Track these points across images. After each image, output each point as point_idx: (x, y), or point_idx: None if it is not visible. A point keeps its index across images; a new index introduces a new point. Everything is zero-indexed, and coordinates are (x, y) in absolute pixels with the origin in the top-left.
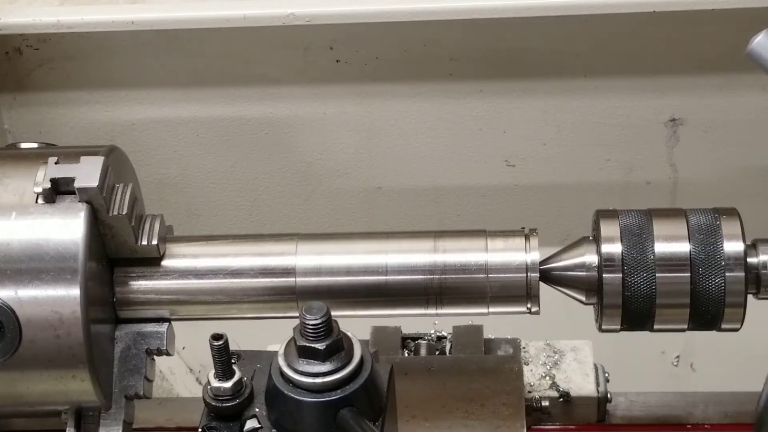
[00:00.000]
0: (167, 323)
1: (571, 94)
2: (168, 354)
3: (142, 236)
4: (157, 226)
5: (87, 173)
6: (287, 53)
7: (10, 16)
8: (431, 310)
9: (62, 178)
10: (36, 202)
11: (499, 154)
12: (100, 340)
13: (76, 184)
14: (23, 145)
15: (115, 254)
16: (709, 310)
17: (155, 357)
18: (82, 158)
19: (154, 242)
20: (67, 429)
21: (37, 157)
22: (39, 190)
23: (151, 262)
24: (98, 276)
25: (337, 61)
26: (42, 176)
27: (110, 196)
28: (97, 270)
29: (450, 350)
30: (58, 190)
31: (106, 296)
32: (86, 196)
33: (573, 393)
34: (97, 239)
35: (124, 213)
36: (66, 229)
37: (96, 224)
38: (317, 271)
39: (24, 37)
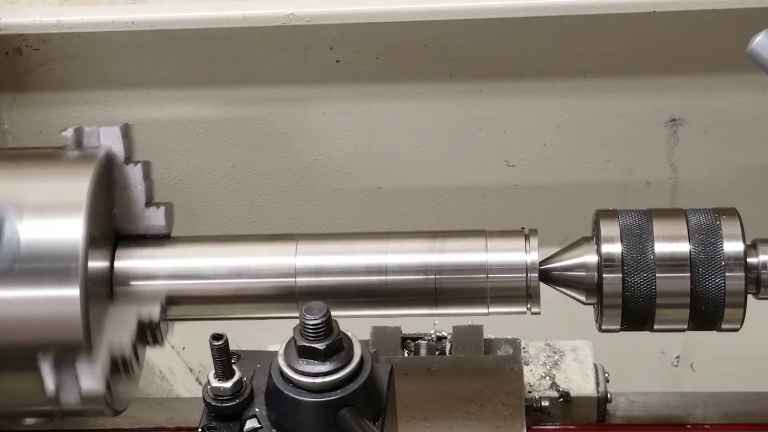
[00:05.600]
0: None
1: (571, 94)
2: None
3: None
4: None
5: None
6: (287, 53)
7: (10, 16)
8: (431, 310)
9: None
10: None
11: (499, 154)
12: None
13: None
14: None
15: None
16: (709, 310)
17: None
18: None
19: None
20: None
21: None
22: None
23: (150, 262)
24: (98, 276)
25: (337, 61)
26: None
27: None
28: (97, 270)
29: (450, 350)
30: None
31: (107, 296)
32: None
33: (573, 393)
34: (96, 240)
35: None
36: (66, 229)
37: (96, 225)
38: (317, 272)
39: (24, 37)
